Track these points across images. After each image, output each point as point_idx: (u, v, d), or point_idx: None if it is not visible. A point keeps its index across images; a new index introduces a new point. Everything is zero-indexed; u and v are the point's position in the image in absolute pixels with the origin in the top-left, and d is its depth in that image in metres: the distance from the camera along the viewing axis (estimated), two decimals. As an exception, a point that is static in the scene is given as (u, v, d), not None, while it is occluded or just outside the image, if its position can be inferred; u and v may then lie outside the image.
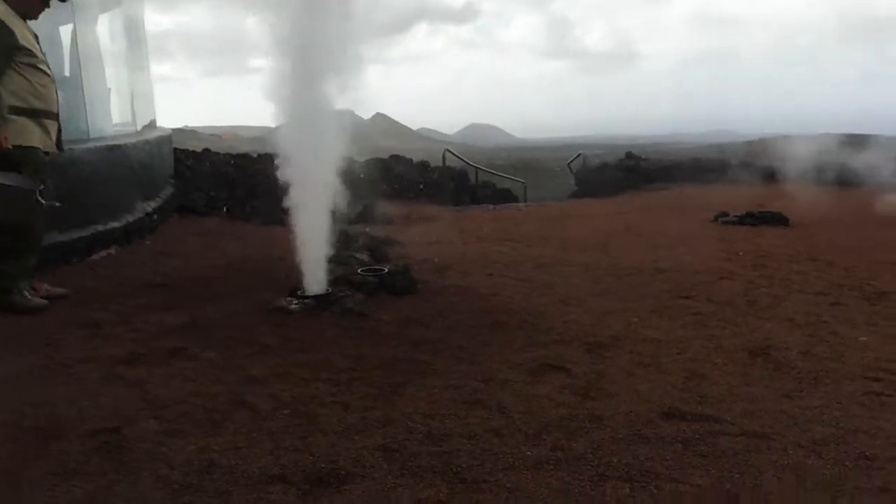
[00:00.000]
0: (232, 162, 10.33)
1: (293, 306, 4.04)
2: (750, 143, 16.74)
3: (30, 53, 4.01)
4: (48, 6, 4.20)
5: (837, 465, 2.29)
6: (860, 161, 11.48)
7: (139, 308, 4.12)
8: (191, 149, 10.86)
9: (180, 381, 2.98)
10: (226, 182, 9.17)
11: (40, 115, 4.08)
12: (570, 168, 16.07)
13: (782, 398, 2.86)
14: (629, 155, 15.01)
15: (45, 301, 4.12)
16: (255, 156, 10.75)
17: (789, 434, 2.51)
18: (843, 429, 2.56)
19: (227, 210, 8.26)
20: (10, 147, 3.86)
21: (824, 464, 2.29)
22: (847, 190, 10.64)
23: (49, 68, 4.19)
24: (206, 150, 10.77)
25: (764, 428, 2.55)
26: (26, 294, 4.06)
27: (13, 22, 3.95)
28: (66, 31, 6.74)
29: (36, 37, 4.14)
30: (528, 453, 2.33)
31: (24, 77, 3.99)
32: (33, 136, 4.03)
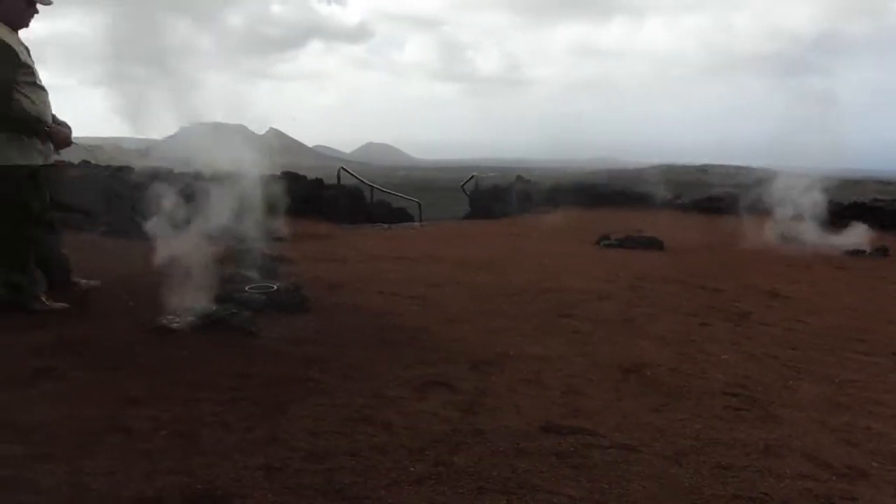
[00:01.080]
0: (113, 175, 9.87)
1: (175, 324, 3.91)
2: (633, 170, 17.71)
3: (28, 71, 3.97)
4: (37, 12, 4.10)
5: (696, 474, 2.47)
6: (729, 190, 12.42)
7: (1, 327, 3.85)
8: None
9: (49, 403, 2.82)
10: (106, 195, 8.75)
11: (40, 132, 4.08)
12: (463, 189, 16.39)
13: (650, 412, 3.05)
14: (519, 178, 15.52)
15: (65, 304, 4.24)
16: (136, 168, 10.32)
17: (656, 445, 2.69)
18: (702, 440, 2.77)
19: (107, 224, 7.88)
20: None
21: (685, 473, 2.47)
22: (718, 217, 11.44)
23: (41, 80, 4.12)
24: (84, 162, 10.24)
25: (633, 440, 2.72)
26: (44, 300, 4.16)
27: (11, 38, 3.88)
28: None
29: (28, 50, 4.05)
30: (411, 469, 2.37)
31: (25, 96, 3.94)
32: (35, 153, 4.08)
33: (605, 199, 13.42)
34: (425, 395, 3.10)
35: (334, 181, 13.10)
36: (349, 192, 12.94)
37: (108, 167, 10.39)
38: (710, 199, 12.81)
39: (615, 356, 3.86)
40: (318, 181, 12.67)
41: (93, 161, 11.09)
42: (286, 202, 10.69)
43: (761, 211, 9.99)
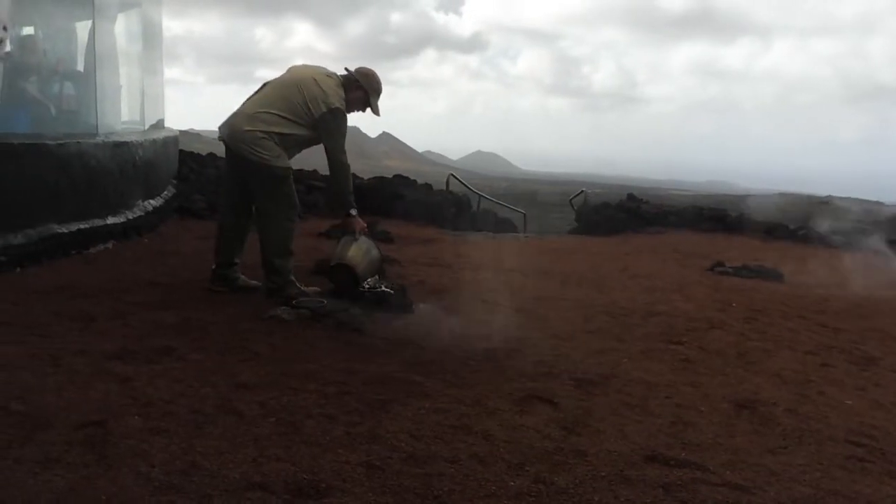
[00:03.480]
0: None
1: (287, 316, 4.05)
2: (749, 196, 16.91)
3: None
4: (363, 111, 4.75)
5: (815, 524, 2.30)
6: (859, 224, 11.61)
7: (134, 304, 4.12)
8: (196, 151, 10.91)
9: (169, 380, 2.98)
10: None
11: None
12: (571, 204, 16.17)
13: (765, 453, 2.87)
14: (630, 196, 15.12)
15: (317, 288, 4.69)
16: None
17: (770, 490, 2.52)
18: (822, 490, 2.57)
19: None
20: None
21: (802, 522, 2.30)
22: (843, 252, 10.72)
23: None
24: (211, 154, 10.82)
25: (745, 481, 2.56)
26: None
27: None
28: (83, 28, 6.82)
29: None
30: (511, 483, 2.33)
31: None
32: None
33: (720, 224, 12.85)
34: (526, 410, 3.04)
35: (442, 186, 13.24)
36: (456, 199, 13.03)
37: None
38: (835, 232, 12.01)
39: (727, 390, 3.67)
40: (428, 186, 12.84)
41: (218, 154, 11.67)
42: (397, 205, 10.92)
43: (894, 249, 9.28)
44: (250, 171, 4.38)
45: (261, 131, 4.30)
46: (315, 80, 4.45)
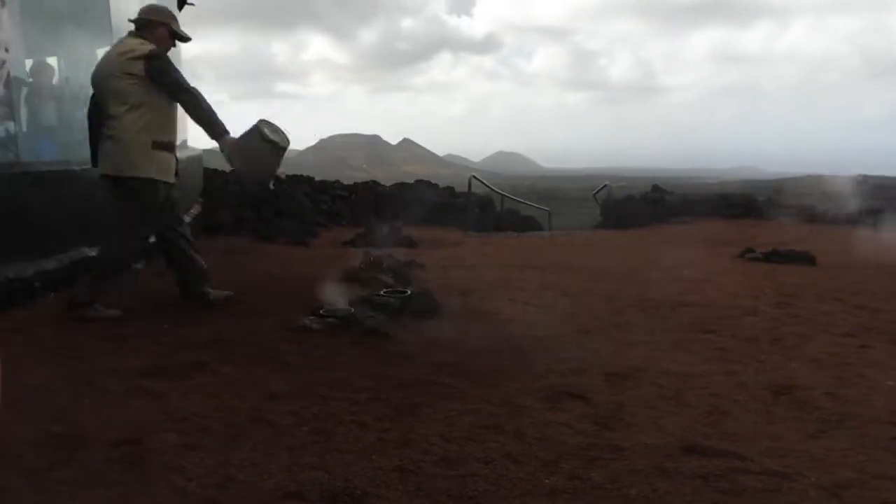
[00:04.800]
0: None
1: (315, 325, 4.07)
2: (776, 180, 16.64)
3: None
4: (174, 45, 4.57)
5: (860, 509, 2.24)
6: (891, 202, 11.35)
7: (164, 322, 4.18)
8: (220, 169, 11.03)
9: (201, 395, 3.00)
10: (253, 202, 9.30)
11: None
12: (595, 198, 16.05)
13: (805, 439, 2.81)
14: (655, 188, 14.97)
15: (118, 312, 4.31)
16: (282, 177, 10.89)
17: (811, 475, 2.46)
18: (866, 474, 2.51)
19: (254, 229, 8.37)
20: None
21: (847, 507, 2.25)
22: (876, 231, 10.49)
23: None
24: (235, 171, 10.93)
25: (786, 468, 2.51)
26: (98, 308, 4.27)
27: None
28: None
29: None
30: (545, 481, 2.31)
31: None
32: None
33: (748, 210, 12.67)
34: (558, 406, 3.02)
35: (464, 189, 13.24)
36: (479, 201, 13.02)
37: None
38: (869, 211, 11.76)
39: (763, 377, 3.60)
40: (450, 189, 12.86)
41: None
42: (419, 209, 10.96)
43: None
44: None
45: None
46: (113, 65, 4.24)
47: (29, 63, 6.17)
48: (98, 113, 4.30)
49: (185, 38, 4.60)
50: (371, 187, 11.90)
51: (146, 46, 4.23)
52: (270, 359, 3.52)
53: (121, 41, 4.37)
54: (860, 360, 4.05)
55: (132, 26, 4.41)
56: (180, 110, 4.40)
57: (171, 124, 4.41)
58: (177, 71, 4.29)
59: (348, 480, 2.26)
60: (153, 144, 4.24)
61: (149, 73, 4.18)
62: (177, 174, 4.53)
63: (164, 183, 4.34)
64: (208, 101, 4.34)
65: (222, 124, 4.30)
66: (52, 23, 6.42)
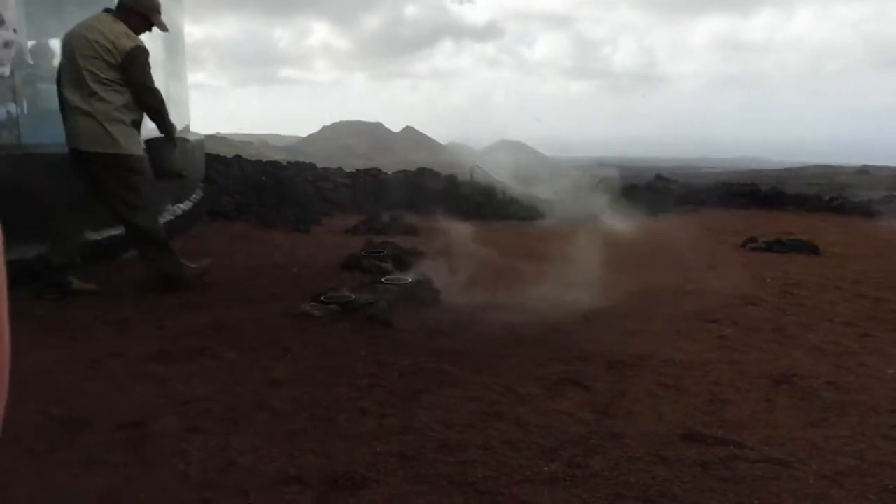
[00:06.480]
0: (264, 169, 10.48)
1: (317, 312, 4.08)
2: (780, 170, 16.57)
3: None
4: (150, 31, 4.67)
5: (860, 497, 2.24)
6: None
7: (167, 307, 4.19)
8: (222, 154, 11.03)
9: (204, 380, 3.02)
10: (255, 188, 9.29)
11: None
12: (599, 187, 16.00)
13: (806, 427, 2.81)
14: (659, 177, 14.92)
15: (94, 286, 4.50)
16: (284, 163, 10.88)
17: (812, 463, 2.47)
18: (867, 461, 2.51)
19: (256, 215, 8.36)
20: None
21: (846, 495, 2.25)
22: (882, 222, 10.46)
23: None
24: (238, 157, 10.93)
25: (786, 455, 2.52)
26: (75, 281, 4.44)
27: None
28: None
29: None
30: (545, 468, 2.32)
31: None
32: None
33: (751, 200, 12.61)
34: (559, 394, 3.03)
35: (467, 177, 13.20)
36: (481, 189, 12.99)
37: (258, 161, 11.05)
38: (873, 202, 11.71)
39: (764, 365, 3.60)
40: (452, 177, 12.82)
41: (243, 156, 11.80)
42: (422, 197, 10.92)
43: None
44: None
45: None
46: (96, 46, 4.32)
47: (30, 45, 6.16)
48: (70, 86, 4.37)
49: (164, 29, 4.74)
50: (374, 175, 11.89)
51: (131, 41, 4.36)
52: (272, 345, 3.54)
53: (100, 18, 4.43)
54: (862, 348, 4.04)
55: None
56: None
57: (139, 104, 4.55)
58: (149, 66, 4.46)
59: (349, 466, 2.27)
60: (132, 123, 4.43)
61: (126, 65, 4.32)
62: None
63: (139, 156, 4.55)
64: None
65: (174, 126, 4.64)
66: (52, 4, 6.40)
